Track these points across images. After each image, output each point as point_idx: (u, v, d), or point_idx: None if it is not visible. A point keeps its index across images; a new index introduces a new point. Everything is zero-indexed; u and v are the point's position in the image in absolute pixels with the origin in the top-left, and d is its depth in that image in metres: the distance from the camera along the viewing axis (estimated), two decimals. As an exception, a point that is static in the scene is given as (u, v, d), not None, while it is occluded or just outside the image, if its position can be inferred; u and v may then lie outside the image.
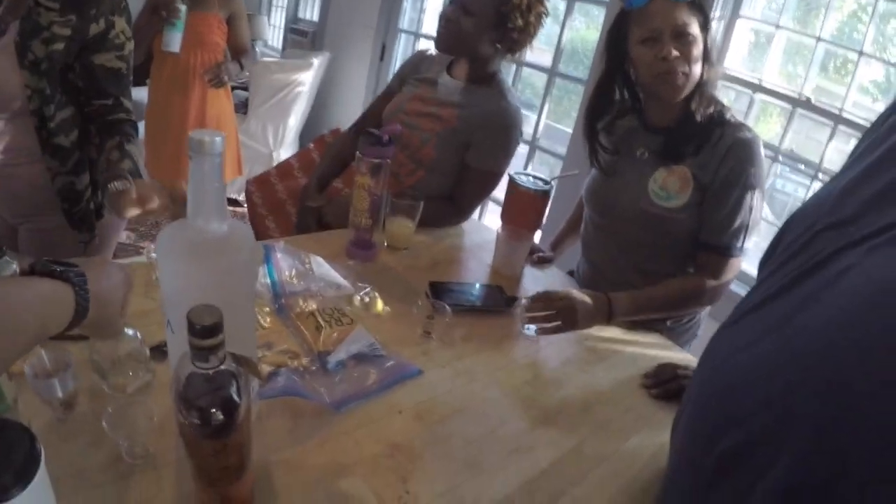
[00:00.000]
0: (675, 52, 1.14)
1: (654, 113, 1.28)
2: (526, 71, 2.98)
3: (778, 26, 2.11)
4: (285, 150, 3.77)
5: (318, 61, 3.75)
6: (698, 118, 1.20)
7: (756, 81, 2.13)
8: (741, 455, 0.47)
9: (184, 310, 0.53)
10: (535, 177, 1.47)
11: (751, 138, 1.18)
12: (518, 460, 0.83)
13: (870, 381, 0.40)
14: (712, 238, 1.22)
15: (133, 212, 1.09)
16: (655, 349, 1.22)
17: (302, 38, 4.88)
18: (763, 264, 0.63)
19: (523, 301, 1.18)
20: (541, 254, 1.53)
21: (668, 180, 1.24)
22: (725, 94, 2.16)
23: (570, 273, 1.57)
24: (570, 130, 2.66)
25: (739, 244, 1.20)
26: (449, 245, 1.53)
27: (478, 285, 1.30)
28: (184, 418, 0.55)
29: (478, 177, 1.54)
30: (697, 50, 1.16)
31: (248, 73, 2.88)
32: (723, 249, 1.21)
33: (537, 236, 1.69)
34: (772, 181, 2.23)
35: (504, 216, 1.48)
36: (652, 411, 1.01)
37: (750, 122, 1.86)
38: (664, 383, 1.06)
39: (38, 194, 1.35)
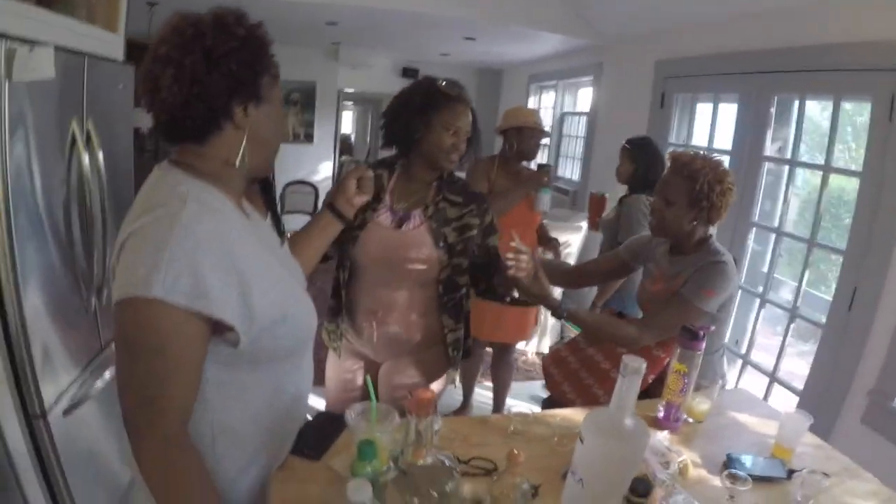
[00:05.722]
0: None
1: None
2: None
3: None
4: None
5: (584, 224, 4.34)
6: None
7: None
8: None
9: (596, 471, 1.05)
10: None
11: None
12: None
13: None
14: None
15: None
16: None
17: (563, 196, 5.48)
18: None
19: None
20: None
21: None
22: None
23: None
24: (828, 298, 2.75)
25: None
26: (732, 418, 1.80)
27: (762, 459, 1.52)
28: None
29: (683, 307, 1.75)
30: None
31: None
32: None
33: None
34: None
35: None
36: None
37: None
38: None
39: (432, 342, 1.76)
